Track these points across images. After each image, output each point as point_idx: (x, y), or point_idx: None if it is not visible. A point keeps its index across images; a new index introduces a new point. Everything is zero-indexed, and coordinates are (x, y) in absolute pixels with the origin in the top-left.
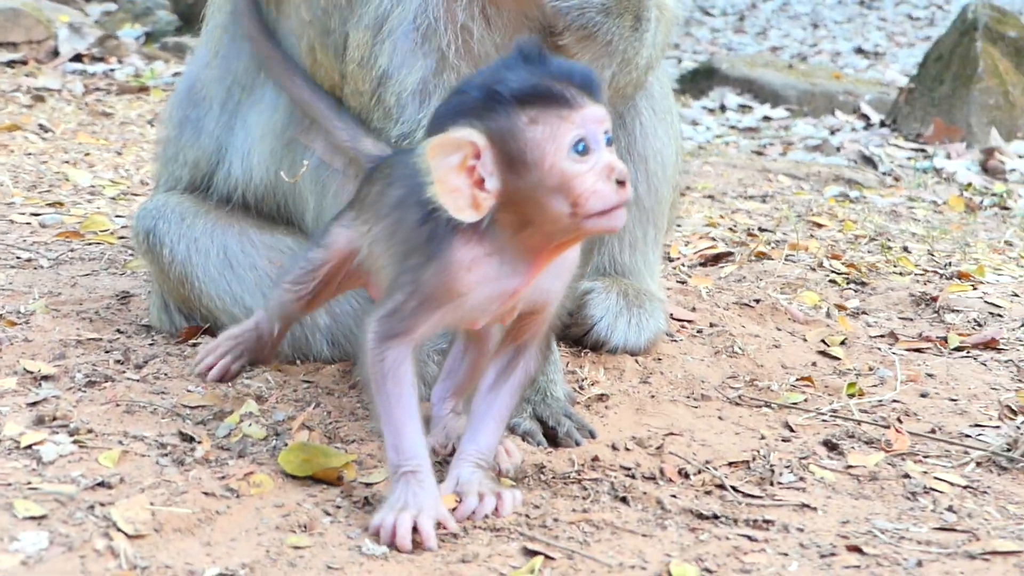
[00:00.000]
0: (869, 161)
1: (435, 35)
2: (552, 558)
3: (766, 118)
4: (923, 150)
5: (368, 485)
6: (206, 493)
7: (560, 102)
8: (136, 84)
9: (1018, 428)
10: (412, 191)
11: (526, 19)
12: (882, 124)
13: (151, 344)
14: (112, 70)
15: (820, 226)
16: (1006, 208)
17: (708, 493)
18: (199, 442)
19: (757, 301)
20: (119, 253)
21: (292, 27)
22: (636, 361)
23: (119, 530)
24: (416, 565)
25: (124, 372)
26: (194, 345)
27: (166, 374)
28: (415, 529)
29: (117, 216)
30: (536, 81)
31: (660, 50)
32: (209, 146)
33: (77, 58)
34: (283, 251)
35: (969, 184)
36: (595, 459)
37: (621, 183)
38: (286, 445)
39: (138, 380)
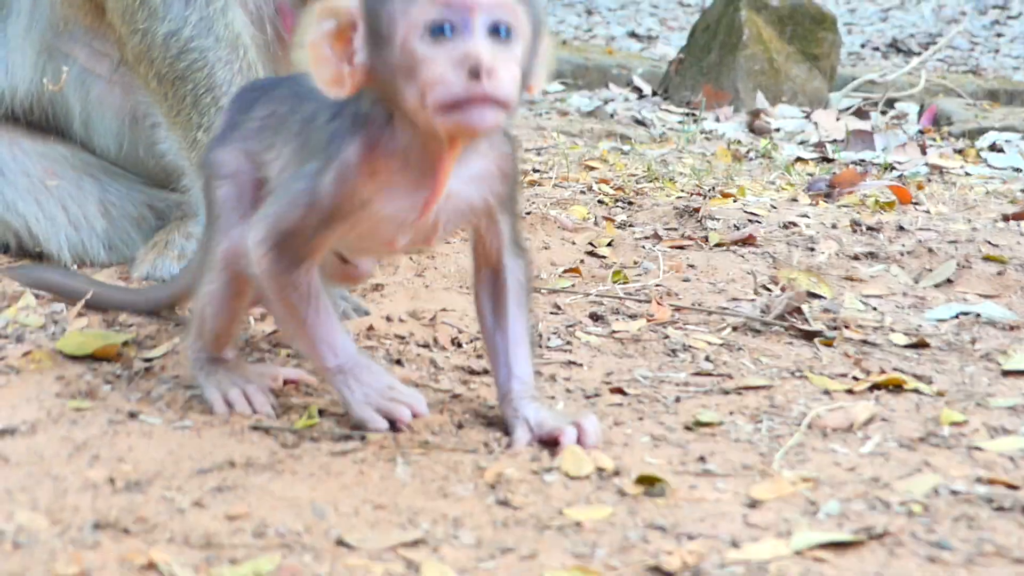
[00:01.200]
0: (642, 124)
1: None
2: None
3: (543, 92)
4: (693, 114)
5: (147, 360)
6: None
7: None
8: None
9: (772, 297)
10: (323, 105)
11: None
12: (654, 94)
13: None
14: None
15: (593, 168)
16: (770, 158)
17: (479, 357)
18: None
19: (528, 213)
20: None
21: None
22: (411, 259)
23: None
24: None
25: None
26: None
27: None
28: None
29: None
30: None
31: None
32: None
33: None
34: (55, 159)
35: (737, 140)
36: (370, 328)
37: (475, 75)
38: (64, 331)
39: None
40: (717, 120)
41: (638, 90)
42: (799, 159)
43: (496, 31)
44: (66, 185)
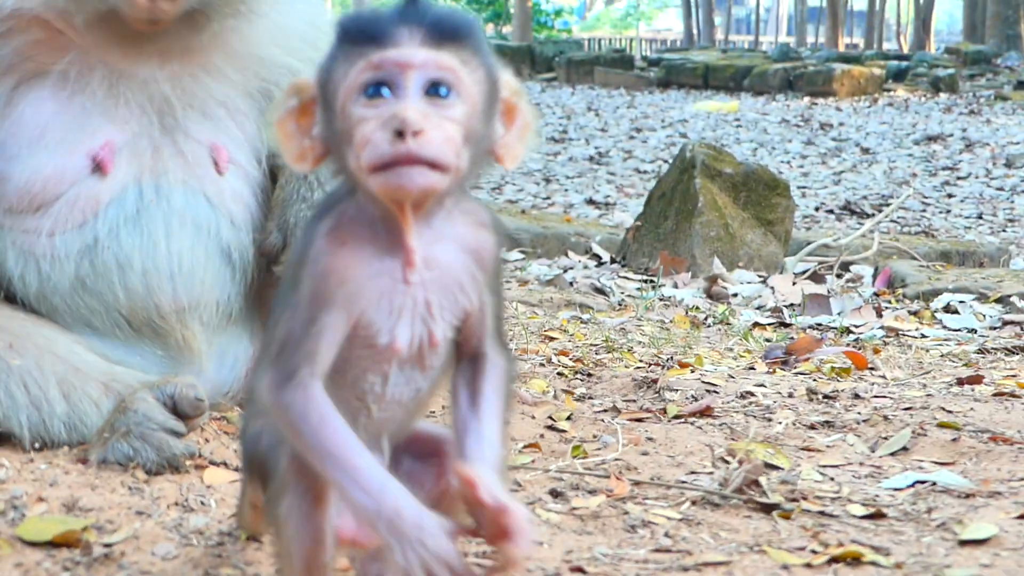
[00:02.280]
0: (601, 292)
1: None
2: None
3: (503, 260)
4: (651, 281)
5: (107, 545)
6: None
7: (369, 40)
8: None
9: (730, 469)
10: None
11: None
12: (612, 261)
13: None
14: None
15: (553, 339)
16: (728, 324)
17: None
18: None
19: None
20: None
21: None
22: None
23: None
24: None
25: None
26: None
27: None
28: None
29: None
30: (362, 16)
31: None
32: None
33: None
34: (18, 335)
35: (695, 307)
36: None
37: (400, 134)
38: (23, 517)
39: None
40: (675, 286)
41: (597, 257)
42: (757, 324)
43: (435, 91)
44: (28, 364)
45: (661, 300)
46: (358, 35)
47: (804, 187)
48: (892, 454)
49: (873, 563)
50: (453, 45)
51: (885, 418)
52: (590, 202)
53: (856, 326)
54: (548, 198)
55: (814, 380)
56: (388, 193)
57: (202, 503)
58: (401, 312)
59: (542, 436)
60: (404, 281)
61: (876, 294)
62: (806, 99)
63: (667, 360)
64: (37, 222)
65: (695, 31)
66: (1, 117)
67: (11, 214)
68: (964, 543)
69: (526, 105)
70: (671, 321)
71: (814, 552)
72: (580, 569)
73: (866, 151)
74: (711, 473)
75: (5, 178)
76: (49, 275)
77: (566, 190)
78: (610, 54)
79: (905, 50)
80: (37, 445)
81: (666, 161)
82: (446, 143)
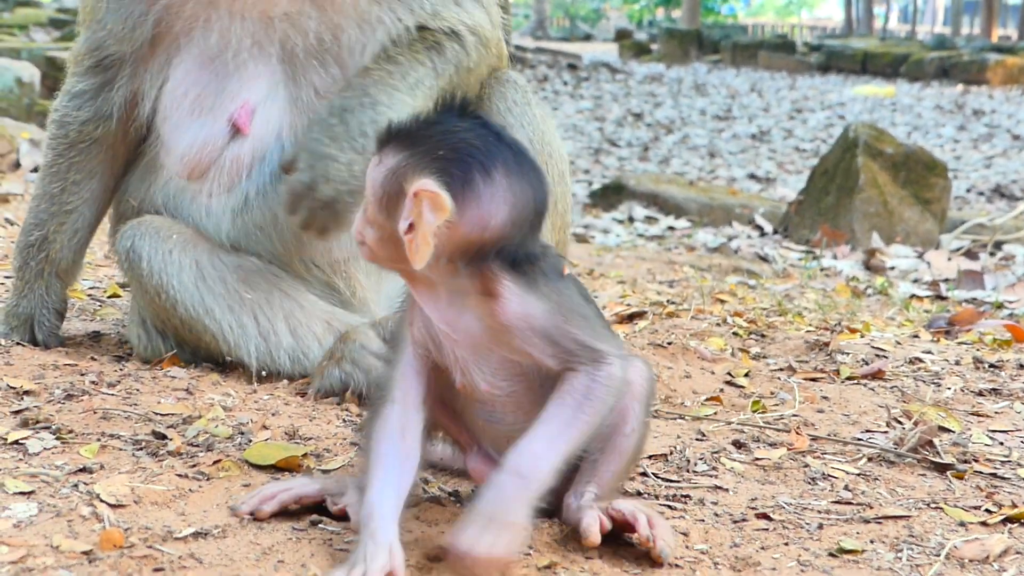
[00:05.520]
0: (764, 260)
1: None
2: None
3: (670, 228)
4: (812, 252)
5: (325, 471)
6: (179, 475)
7: None
8: None
9: (904, 429)
10: None
11: None
12: (774, 232)
13: (122, 368)
14: None
15: (723, 302)
16: (887, 295)
17: (631, 479)
18: (170, 439)
19: (670, 343)
20: (88, 305)
21: None
22: None
23: (102, 501)
24: None
25: (99, 389)
26: (164, 368)
27: (138, 390)
28: None
29: (83, 280)
30: None
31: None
32: None
33: (36, 170)
34: (250, 271)
35: (855, 277)
36: None
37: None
38: (250, 442)
39: (112, 395)
40: (834, 258)
41: (759, 228)
42: (914, 296)
43: None
44: (258, 297)
45: (822, 270)
46: None
47: (956, 170)
48: None
49: None
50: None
51: None
52: (752, 176)
53: (1010, 302)
54: (712, 171)
55: (978, 350)
56: None
57: None
58: (453, 365)
59: (722, 390)
60: (445, 337)
61: None
62: (960, 86)
63: (835, 325)
64: (198, 186)
65: (854, 19)
66: (161, 84)
67: (182, 179)
68: None
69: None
70: (833, 290)
71: (988, 511)
72: (765, 515)
73: (1017, 138)
74: (885, 432)
75: (170, 149)
76: (211, 234)
77: (729, 164)
78: (773, 39)
79: None
80: (264, 373)
81: (824, 141)
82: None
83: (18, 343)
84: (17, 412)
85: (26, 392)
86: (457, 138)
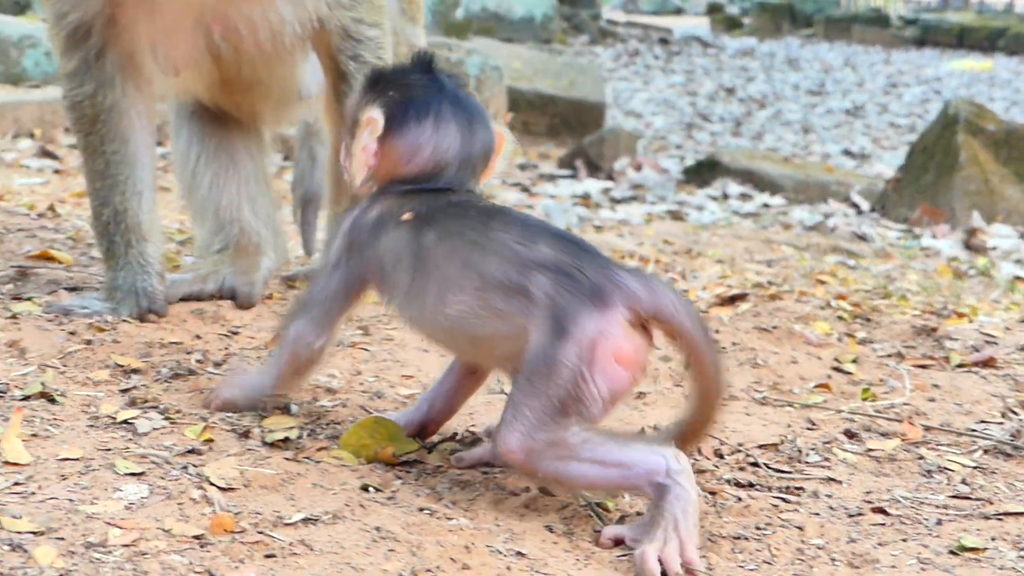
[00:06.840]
0: (862, 239)
1: None
2: None
3: (765, 205)
4: (911, 231)
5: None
6: (287, 459)
7: None
8: None
9: (1021, 421)
10: None
11: None
12: (871, 210)
13: (228, 348)
14: None
15: (824, 283)
16: (989, 276)
17: (742, 469)
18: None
19: (775, 327)
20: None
21: None
22: (669, 367)
23: (212, 484)
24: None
25: (205, 368)
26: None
27: (244, 371)
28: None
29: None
30: None
31: None
32: None
33: None
34: None
35: (955, 257)
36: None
37: None
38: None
39: (218, 374)
40: (933, 237)
41: (856, 206)
42: (1017, 278)
43: None
44: None
45: (922, 250)
46: None
47: None
48: None
49: None
50: None
51: None
52: (846, 152)
53: None
54: (806, 147)
55: None
56: None
57: None
58: None
59: (830, 377)
60: None
61: None
62: None
63: (941, 309)
64: None
65: None
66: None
67: None
68: None
69: None
70: (934, 271)
71: None
72: (882, 510)
73: None
74: (1000, 423)
75: None
76: None
77: (823, 140)
78: (867, 12)
79: None
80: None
81: (920, 117)
82: None
83: (125, 320)
84: (125, 391)
85: (134, 370)
86: (409, 86)
